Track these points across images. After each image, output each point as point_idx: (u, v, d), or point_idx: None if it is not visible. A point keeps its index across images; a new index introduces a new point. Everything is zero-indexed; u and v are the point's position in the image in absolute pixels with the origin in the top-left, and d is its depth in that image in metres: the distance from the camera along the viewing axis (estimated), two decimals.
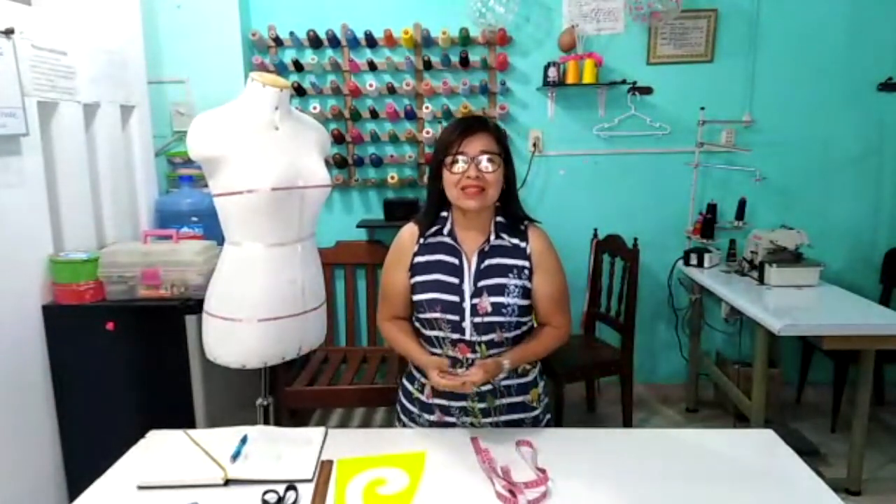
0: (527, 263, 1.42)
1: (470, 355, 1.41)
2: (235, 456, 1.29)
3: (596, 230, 3.13)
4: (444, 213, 1.45)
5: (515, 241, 1.43)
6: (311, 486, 1.21)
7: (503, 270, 1.40)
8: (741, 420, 2.82)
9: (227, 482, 1.22)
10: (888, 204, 3.14)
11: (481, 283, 1.39)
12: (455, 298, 1.39)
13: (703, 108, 3.02)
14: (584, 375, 2.99)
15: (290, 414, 2.62)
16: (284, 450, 1.32)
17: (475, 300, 1.38)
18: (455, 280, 1.40)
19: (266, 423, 1.95)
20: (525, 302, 1.41)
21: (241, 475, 1.23)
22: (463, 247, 1.42)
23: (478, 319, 1.38)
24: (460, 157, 1.33)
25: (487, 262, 1.41)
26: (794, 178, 3.12)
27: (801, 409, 3.15)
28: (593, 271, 3.10)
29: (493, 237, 1.41)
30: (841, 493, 1.21)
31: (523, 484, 1.18)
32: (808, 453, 2.53)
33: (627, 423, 2.78)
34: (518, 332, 1.44)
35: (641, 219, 3.14)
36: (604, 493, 1.18)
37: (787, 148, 3.09)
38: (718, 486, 1.20)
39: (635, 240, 2.80)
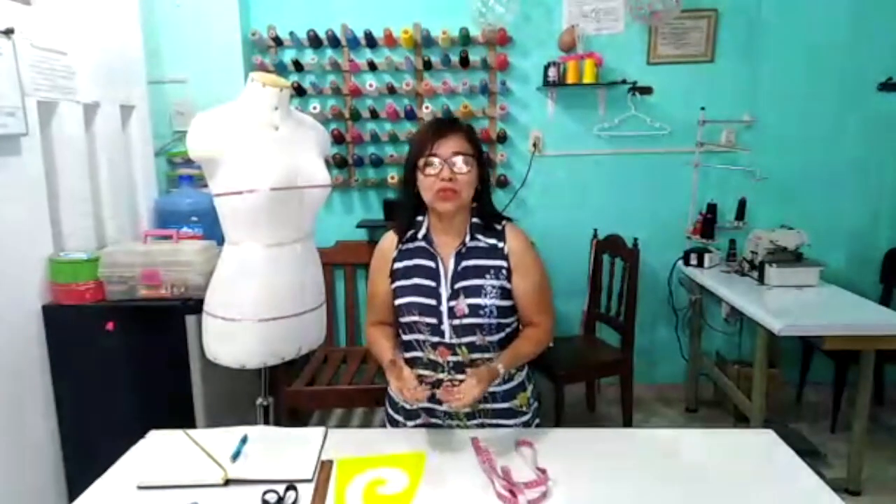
0: (504, 263, 1.40)
1: (451, 358, 1.40)
2: (235, 456, 1.29)
3: (596, 230, 3.13)
4: (420, 218, 1.45)
5: (492, 241, 1.41)
6: (311, 486, 1.21)
7: (480, 272, 1.39)
8: (741, 420, 2.82)
9: (227, 482, 1.22)
10: (888, 204, 3.14)
11: (458, 286, 1.38)
12: (432, 302, 1.38)
13: (703, 108, 3.02)
14: (584, 375, 2.99)
15: (290, 414, 2.62)
16: (284, 450, 1.32)
17: (452, 302, 1.37)
18: (432, 283, 1.40)
19: (266, 423, 1.95)
20: (505, 303, 1.40)
21: (241, 475, 1.23)
22: (439, 250, 1.42)
23: (456, 322, 1.37)
24: (433, 159, 1.32)
25: (464, 263, 1.40)
26: (794, 178, 3.12)
27: (801, 409, 3.15)
28: (593, 271, 3.10)
29: (468, 238, 1.40)
30: (841, 493, 1.21)
31: (523, 484, 1.18)
32: (808, 453, 2.53)
33: (627, 423, 2.78)
34: (502, 334, 1.42)
35: (641, 219, 3.13)
36: (604, 493, 1.18)
37: (787, 148, 3.09)
38: (718, 486, 1.20)
39: (635, 240, 2.80)
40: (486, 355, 1.40)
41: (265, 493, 1.17)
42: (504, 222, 1.45)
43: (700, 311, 3.13)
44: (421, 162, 1.34)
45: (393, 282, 1.44)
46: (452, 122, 1.38)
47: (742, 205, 2.98)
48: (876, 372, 2.54)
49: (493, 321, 1.38)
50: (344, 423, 3.12)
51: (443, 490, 1.19)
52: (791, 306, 2.46)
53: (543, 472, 1.22)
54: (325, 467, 1.27)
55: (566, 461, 1.27)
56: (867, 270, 3.15)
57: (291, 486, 1.19)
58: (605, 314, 2.99)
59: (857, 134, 3.08)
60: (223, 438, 1.36)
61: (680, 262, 3.09)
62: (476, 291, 1.38)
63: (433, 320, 1.38)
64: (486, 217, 1.43)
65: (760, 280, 2.71)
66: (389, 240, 1.49)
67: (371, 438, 1.40)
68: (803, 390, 3.18)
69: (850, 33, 2.99)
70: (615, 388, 2.97)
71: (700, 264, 2.97)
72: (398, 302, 1.42)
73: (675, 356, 3.27)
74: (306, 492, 1.19)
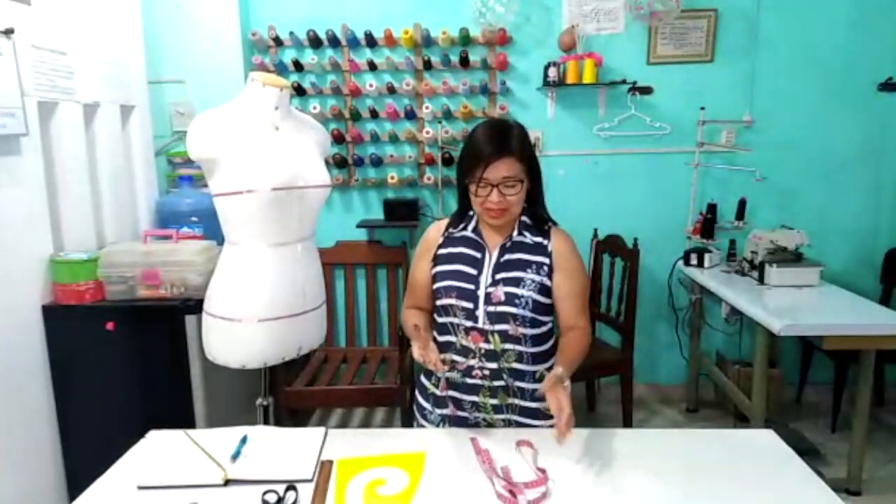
0: (547, 261, 1.43)
1: (483, 345, 1.42)
2: (235, 456, 1.29)
3: (596, 230, 3.13)
4: (472, 213, 1.48)
5: (538, 239, 1.45)
6: (311, 486, 1.20)
7: (522, 265, 1.42)
8: (741, 420, 2.82)
9: (227, 482, 1.21)
10: (888, 204, 3.14)
11: (499, 276, 1.42)
12: (470, 286, 1.42)
13: (703, 108, 3.02)
14: (584, 375, 2.99)
15: (290, 414, 2.62)
16: (284, 450, 1.32)
17: (490, 289, 1.41)
18: (474, 271, 1.43)
19: (266, 423, 1.95)
20: (542, 298, 1.42)
21: (241, 475, 1.23)
22: (487, 241, 1.46)
23: (491, 308, 1.40)
24: (483, 184, 1.35)
25: (507, 256, 1.44)
26: (794, 178, 3.12)
27: (801, 409, 3.15)
28: (593, 271, 3.10)
29: (515, 233, 1.45)
30: (841, 493, 1.21)
31: (523, 484, 1.18)
32: (808, 453, 2.53)
33: (627, 423, 2.79)
34: (536, 330, 1.44)
35: (641, 219, 3.14)
36: (604, 493, 1.18)
37: (787, 148, 3.09)
38: (718, 486, 1.20)
39: (635, 240, 2.80)
40: (518, 347, 1.42)
41: (265, 493, 1.17)
42: (551, 224, 1.49)
43: (700, 311, 3.13)
44: (472, 186, 1.37)
45: (434, 266, 1.48)
46: (505, 140, 1.35)
47: (742, 205, 2.98)
48: (876, 372, 2.54)
49: (528, 314, 1.40)
50: (344, 423, 3.12)
51: (443, 490, 1.19)
52: (791, 306, 2.46)
53: (543, 472, 1.22)
54: (325, 467, 1.27)
55: (566, 461, 1.27)
56: (867, 270, 3.15)
57: (291, 486, 1.19)
58: (605, 314, 2.99)
59: (857, 134, 3.08)
60: (223, 438, 1.36)
61: (680, 262, 3.08)
62: (515, 282, 1.41)
63: (469, 304, 1.41)
64: (536, 217, 1.47)
65: (760, 280, 2.71)
66: (437, 227, 1.54)
67: (371, 438, 1.40)
68: (803, 390, 3.18)
69: (850, 33, 2.99)
70: (615, 388, 2.97)
71: (700, 264, 2.97)
72: (437, 285, 1.45)
73: (675, 356, 3.27)
74: (306, 492, 1.19)
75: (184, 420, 2.08)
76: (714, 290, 2.73)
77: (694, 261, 2.99)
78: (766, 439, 1.39)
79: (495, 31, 2.95)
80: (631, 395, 2.79)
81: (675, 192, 3.14)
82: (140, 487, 1.21)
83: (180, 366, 2.08)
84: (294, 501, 1.16)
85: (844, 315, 2.36)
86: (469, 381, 1.46)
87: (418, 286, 1.53)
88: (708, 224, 3.00)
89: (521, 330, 1.42)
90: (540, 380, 1.45)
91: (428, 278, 1.49)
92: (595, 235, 3.13)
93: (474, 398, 1.46)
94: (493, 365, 1.43)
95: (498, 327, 1.41)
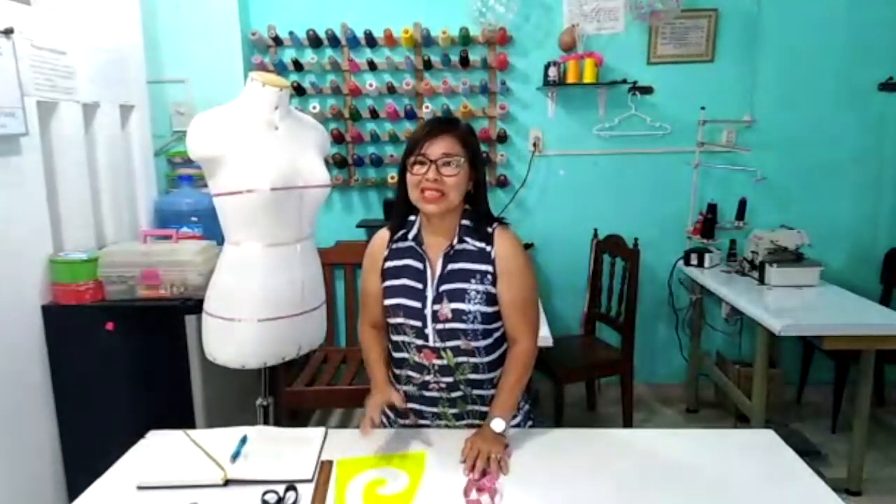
0: (490, 268, 1.37)
1: (436, 361, 1.40)
2: (235, 456, 1.29)
3: (596, 230, 3.13)
4: (413, 217, 1.44)
5: (481, 244, 1.38)
6: (311, 486, 1.21)
7: (466, 276, 1.37)
8: (741, 420, 2.82)
9: (227, 482, 1.22)
10: (888, 204, 3.14)
11: (443, 288, 1.37)
12: (417, 304, 1.38)
13: (703, 108, 3.02)
14: (584, 375, 2.99)
15: (290, 414, 2.62)
16: (284, 450, 1.32)
17: (436, 307, 1.36)
18: (419, 285, 1.39)
19: (266, 423, 1.95)
20: (490, 308, 1.37)
21: (241, 475, 1.23)
22: (428, 251, 1.40)
23: (439, 326, 1.37)
24: (421, 160, 1.31)
25: (451, 266, 1.38)
26: (794, 178, 3.11)
27: (802, 409, 3.15)
28: (593, 271, 3.10)
29: (456, 241, 1.38)
30: (841, 494, 1.21)
31: (478, 487, 1.17)
32: (809, 453, 2.53)
33: (627, 423, 2.78)
34: (489, 339, 1.40)
35: (641, 219, 3.13)
36: (603, 493, 1.18)
37: (787, 148, 3.09)
38: (718, 487, 1.20)
39: (635, 240, 2.80)
40: (473, 359, 1.40)
41: (265, 493, 1.17)
42: (495, 225, 1.41)
43: (700, 311, 3.13)
44: (410, 160, 1.33)
45: (383, 280, 1.44)
46: (448, 123, 1.36)
47: (742, 205, 2.98)
48: (876, 372, 2.54)
49: (479, 327, 1.37)
50: (344, 423, 3.12)
51: (443, 490, 1.19)
52: (791, 306, 2.46)
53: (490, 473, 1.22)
54: (325, 467, 1.27)
55: (565, 461, 1.28)
56: (867, 270, 3.15)
57: (291, 486, 1.19)
58: (605, 314, 2.99)
59: (857, 134, 3.08)
60: (223, 438, 1.36)
61: (680, 262, 3.08)
62: (460, 296, 1.36)
63: (417, 323, 1.38)
64: (478, 220, 1.40)
65: (761, 280, 2.71)
66: (381, 238, 1.48)
67: (371, 438, 1.39)
68: (803, 390, 3.18)
69: (851, 33, 2.99)
70: (615, 388, 2.97)
71: (700, 264, 2.97)
72: (386, 302, 1.42)
73: (675, 356, 3.27)
74: (306, 492, 1.19)
75: (183, 420, 2.07)
76: (714, 290, 2.72)
77: (694, 261, 2.98)
78: (767, 439, 1.39)
79: (495, 31, 2.95)
80: (631, 395, 2.78)
81: (676, 192, 3.14)
82: (140, 487, 1.21)
83: (180, 366, 2.07)
84: (294, 501, 1.16)
85: (844, 315, 2.36)
86: (427, 394, 1.44)
87: (371, 301, 1.48)
88: (708, 224, 3.00)
89: (473, 343, 1.38)
90: (497, 384, 1.42)
91: (379, 292, 1.44)
92: (595, 235, 3.13)
93: (434, 409, 1.45)
94: (449, 378, 1.41)
95: (449, 344, 1.38)
